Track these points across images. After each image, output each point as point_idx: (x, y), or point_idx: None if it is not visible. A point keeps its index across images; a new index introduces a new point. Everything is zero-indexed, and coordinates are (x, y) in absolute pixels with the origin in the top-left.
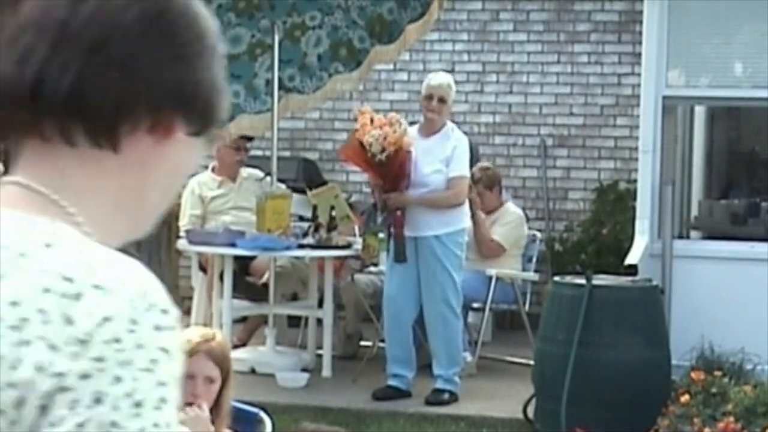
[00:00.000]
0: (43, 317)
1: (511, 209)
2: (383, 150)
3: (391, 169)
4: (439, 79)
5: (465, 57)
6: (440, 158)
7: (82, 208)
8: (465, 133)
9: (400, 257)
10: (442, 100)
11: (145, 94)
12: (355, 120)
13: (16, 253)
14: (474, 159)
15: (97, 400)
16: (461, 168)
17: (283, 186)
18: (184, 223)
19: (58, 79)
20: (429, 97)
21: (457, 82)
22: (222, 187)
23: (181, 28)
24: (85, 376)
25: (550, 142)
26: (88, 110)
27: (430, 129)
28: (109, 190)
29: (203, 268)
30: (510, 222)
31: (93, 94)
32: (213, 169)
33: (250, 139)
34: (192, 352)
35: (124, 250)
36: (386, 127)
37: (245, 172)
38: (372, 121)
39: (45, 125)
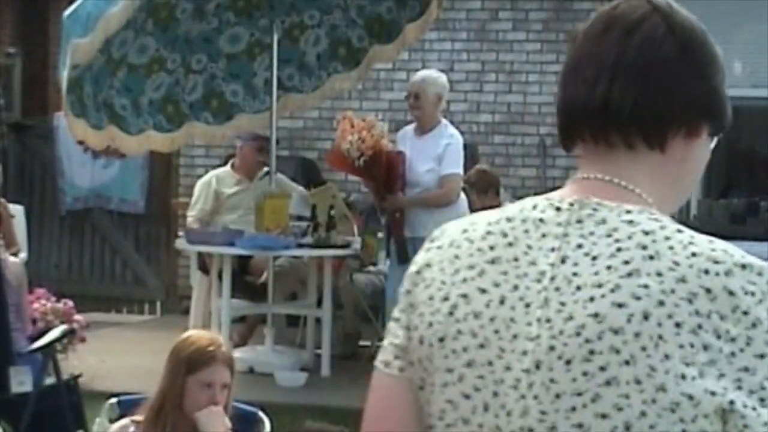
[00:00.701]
0: (710, 295)
1: None
2: (361, 155)
3: (379, 172)
4: (416, 76)
5: (464, 56)
6: (432, 156)
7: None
8: (464, 132)
9: (402, 259)
10: (416, 97)
11: (683, 107)
12: (335, 129)
13: (662, 237)
14: (472, 158)
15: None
16: (452, 166)
17: (293, 184)
18: (193, 213)
19: (621, 101)
20: (407, 96)
21: (456, 81)
22: (239, 185)
23: (703, 53)
24: (748, 340)
25: (549, 141)
26: (644, 123)
27: (421, 127)
28: (658, 182)
29: (203, 269)
30: None
31: (647, 111)
32: (233, 166)
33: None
34: (210, 361)
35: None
36: (363, 131)
37: (262, 172)
38: (352, 125)
39: (611, 134)
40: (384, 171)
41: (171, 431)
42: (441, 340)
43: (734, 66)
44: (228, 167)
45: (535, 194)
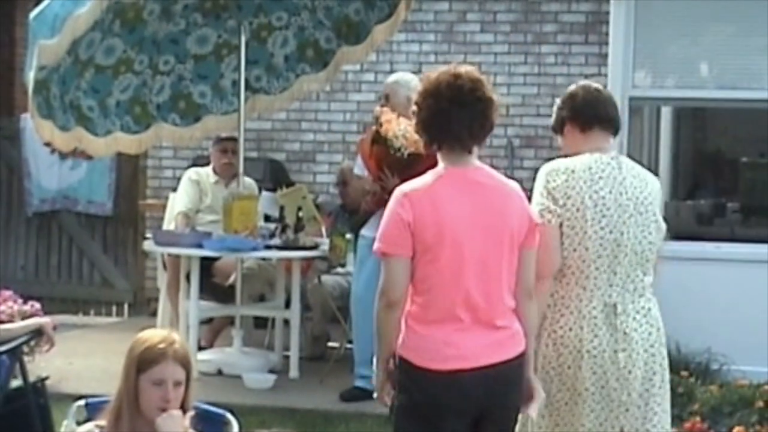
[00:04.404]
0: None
1: None
2: (405, 147)
3: (407, 172)
4: (390, 77)
5: (432, 58)
6: None
7: None
8: None
9: (355, 227)
10: (386, 98)
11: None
12: (376, 119)
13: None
14: None
15: None
16: None
17: (254, 184)
18: (180, 208)
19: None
20: (379, 97)
21: None
22: (216, 185)
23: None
24: None
25: (517, 142)
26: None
27: None
28: None
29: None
30: None
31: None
32: (214, 169)
33: (236, 140)
34: (160, 358)
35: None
36: (410, 126)
37: (244, 182)
38: (399, 115)
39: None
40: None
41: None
42: None
43: (701, 68)
44: (209, 168)
45: None
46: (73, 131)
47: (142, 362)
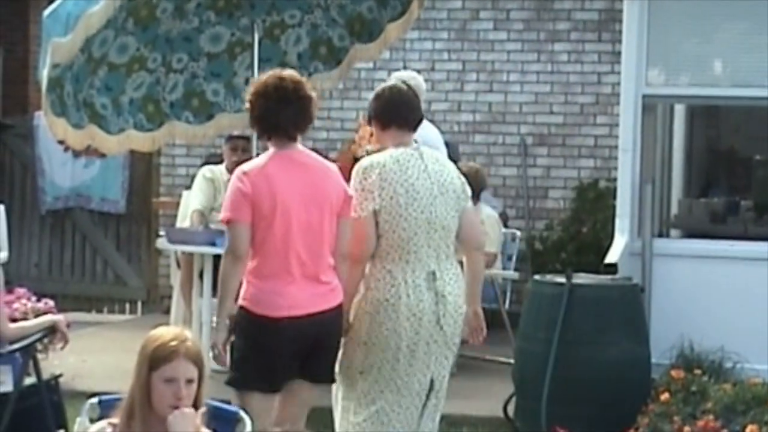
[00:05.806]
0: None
1: (486, 211)
2: None
3: None
4: (390, 77)
5: (445, 56)
6: None
7: None
8: (445, 132)
9: None
10: None
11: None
12: (356, 131)
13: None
14: (453, 158)
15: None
16: None
17: None
18: (196, 206)
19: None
20: None
21: (436, 81)
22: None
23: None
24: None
25: (530, 140)
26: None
27: None
28: None
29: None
30: (490, 226)
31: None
32: (227, 167)
33: (247, 138)
34: (172, 356)
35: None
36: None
37: None
38: (371, 134)
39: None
40: None
41: (142, 430)
42: None
43: (714, 66)
44: (222, 166)
45: (516, 193)
46: (86, 129)
47: (154, 360)
